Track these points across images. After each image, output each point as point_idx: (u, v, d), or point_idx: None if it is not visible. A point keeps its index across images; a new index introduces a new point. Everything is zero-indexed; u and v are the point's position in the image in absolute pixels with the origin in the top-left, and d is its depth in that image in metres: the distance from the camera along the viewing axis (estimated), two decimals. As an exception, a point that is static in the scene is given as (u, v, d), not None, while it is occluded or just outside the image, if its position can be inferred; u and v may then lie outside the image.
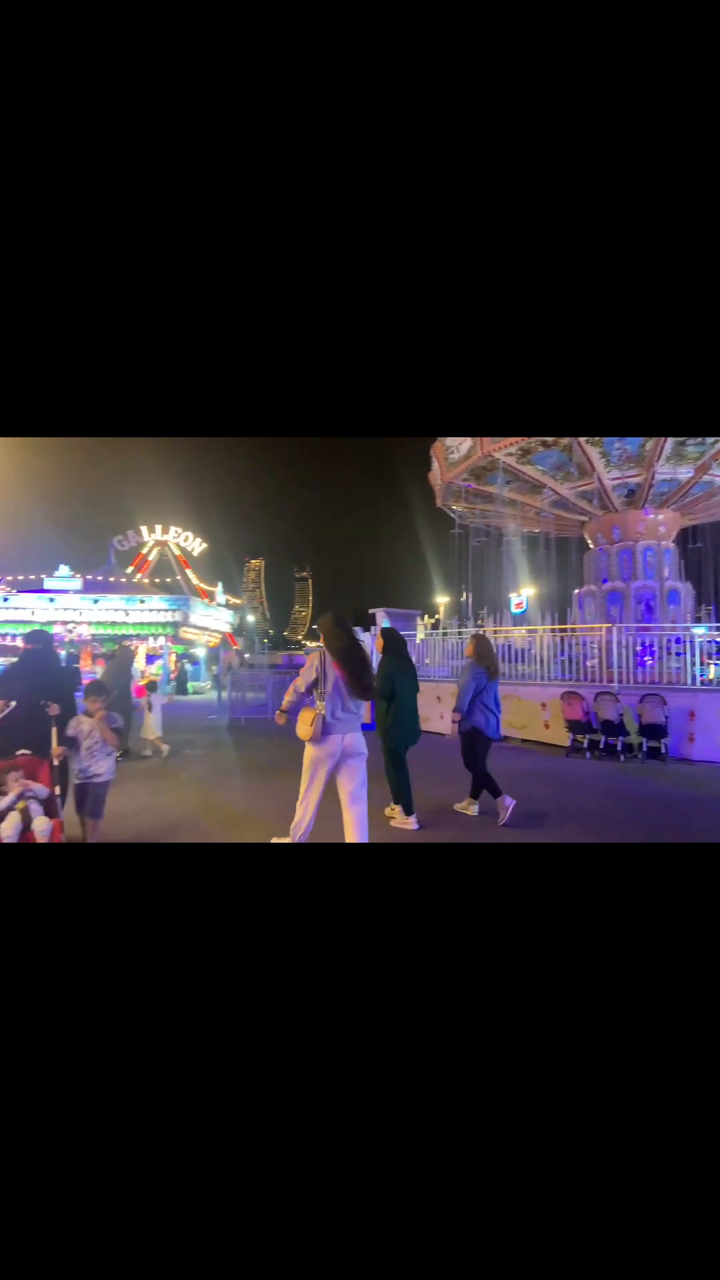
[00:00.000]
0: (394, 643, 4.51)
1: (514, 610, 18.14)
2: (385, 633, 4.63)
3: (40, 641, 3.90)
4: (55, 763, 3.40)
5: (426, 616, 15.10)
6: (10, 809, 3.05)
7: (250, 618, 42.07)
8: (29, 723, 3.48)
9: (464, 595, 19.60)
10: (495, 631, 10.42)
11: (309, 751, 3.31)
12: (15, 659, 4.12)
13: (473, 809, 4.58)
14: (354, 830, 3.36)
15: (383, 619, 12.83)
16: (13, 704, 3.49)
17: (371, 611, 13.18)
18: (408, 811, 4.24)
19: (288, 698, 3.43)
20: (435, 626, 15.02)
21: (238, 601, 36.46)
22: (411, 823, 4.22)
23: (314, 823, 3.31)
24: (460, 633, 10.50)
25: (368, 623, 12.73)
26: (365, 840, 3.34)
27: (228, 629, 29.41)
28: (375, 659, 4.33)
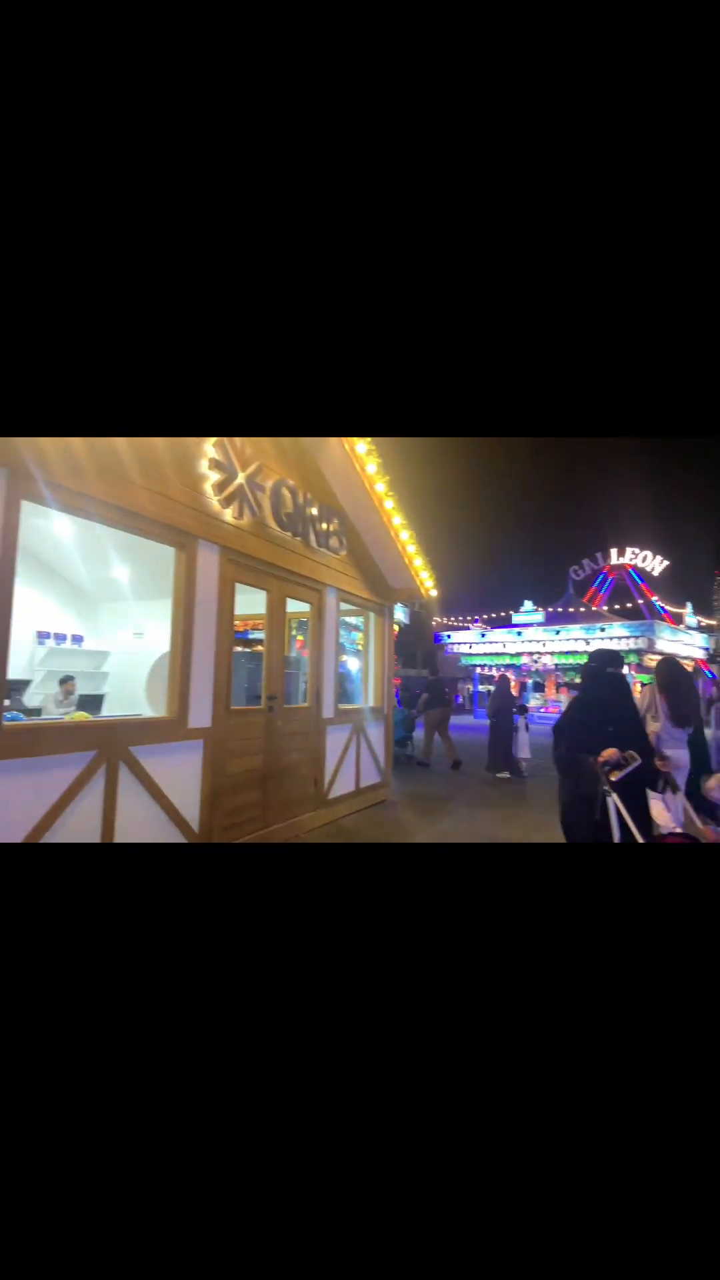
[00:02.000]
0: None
1: None
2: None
3: (619, 664, 2.91)
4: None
5: None
6: None
7: (730, 640, 35.38)
8: (649, 784, 2.60)
9: None
10: None
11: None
12: (584, 689, 3.04)
13: None
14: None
15: None
16: (636, 760, 2.54)
17: None
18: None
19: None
20: None
21: (711, 623, 31.26)
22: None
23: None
24: None
25: None
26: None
27: (701, 655, 25.63)
28: None
